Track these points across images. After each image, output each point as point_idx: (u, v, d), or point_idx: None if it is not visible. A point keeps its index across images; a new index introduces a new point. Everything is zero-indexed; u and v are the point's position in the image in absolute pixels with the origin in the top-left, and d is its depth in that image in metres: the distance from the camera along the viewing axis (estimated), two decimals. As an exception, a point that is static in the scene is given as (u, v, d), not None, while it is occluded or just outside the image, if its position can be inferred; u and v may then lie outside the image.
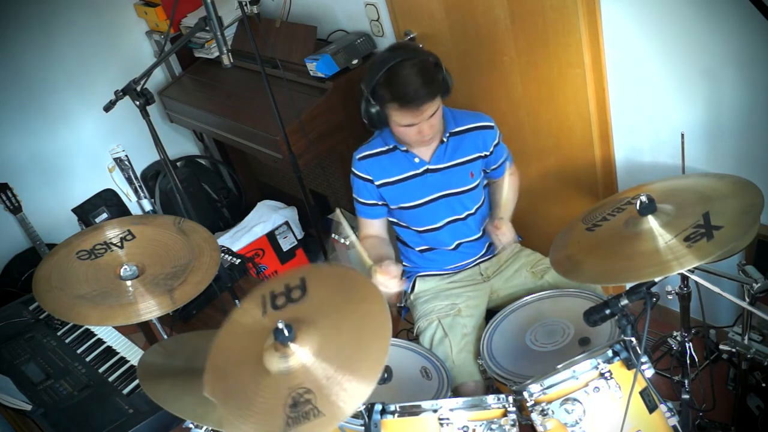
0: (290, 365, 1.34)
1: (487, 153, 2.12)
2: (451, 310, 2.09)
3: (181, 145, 4.14)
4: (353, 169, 2.11)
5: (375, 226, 2.18)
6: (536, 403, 1.55)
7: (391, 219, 2.21)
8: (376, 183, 2.09)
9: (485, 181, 2.20)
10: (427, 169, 2.07)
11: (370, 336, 1.34)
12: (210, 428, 1.64)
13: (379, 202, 2.13)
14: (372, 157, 2.09)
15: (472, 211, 2.15)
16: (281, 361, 1.34)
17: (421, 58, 1.90)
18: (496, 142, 2.12)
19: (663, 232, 1.55)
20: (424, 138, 1.96)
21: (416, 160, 2.07)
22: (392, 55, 1.90)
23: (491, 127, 2.11)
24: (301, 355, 1.34)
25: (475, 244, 2.20)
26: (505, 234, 2.04)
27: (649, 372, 1.54)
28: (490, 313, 2.14)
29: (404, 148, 2.06)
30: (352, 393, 1.25)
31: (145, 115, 2.24)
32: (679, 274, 1.64)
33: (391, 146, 2.07)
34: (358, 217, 2.19)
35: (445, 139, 2.05)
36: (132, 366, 2.25)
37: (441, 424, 1.53)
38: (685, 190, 1.71)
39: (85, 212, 3.70)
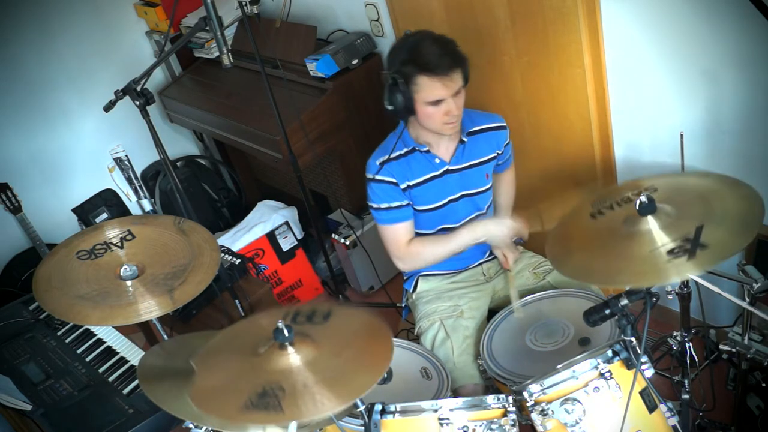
0: (279, 363, 1.41)
1: (500, 152, 2.13)
2: (453, 311, 2.09)
3: (181, 145, 4.14)
4: (373, 176, 2.01)
5: (409, 229, 2.06)
6: (536, 403, 1.55)
7: None
8: (401, 186, 2.03)
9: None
10: (447, 169, 2.05)
11: (363, 369, 1.41)
12: (210, 428, 1.64)
13: (406, 202, 2.04)
14: (392, 161, 2.02)
15: (483, 210, 2.16)
16: (275, 354, 1.42)
17: (440, 34, 1.92)
18: (507, 141, 2.14)
19: (655, 237, 1.53)
20: (451, 119, 1.91)
21: (437, 160, 2.04)
22: (410, 35, 1.92)
23: (504, 127, 2.12)
24: (293, 358, 1.41)
25: (483, 243, 2.19)
26: (512, 258, 2.11)
27: (649, 372, 1.54)
28: (491, 312, 2.14)
29: (425, 149, 2.03)
30: (318, 406, 1.31)
31: (145, 115, 2.25)
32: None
33: (410, 148, 2.03)
34: (386, 227, 2.05)
35: (465, 140, 2.04)
36: (132, 366, 2.25)
37: (441, 424, 1.53)
38: (691, 190, 1.68)
39: (85, 212, 3.70)
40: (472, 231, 2.05)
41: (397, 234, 2.06)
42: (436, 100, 1.88)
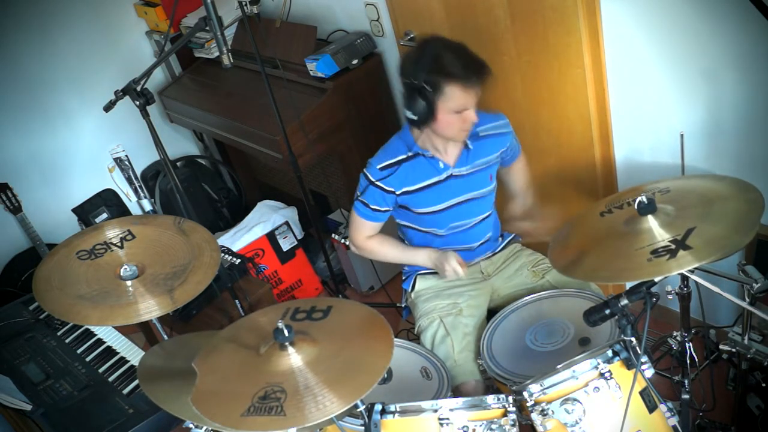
0: (280, 363, 1.41)
1: (504, 149, 2.15)
2: (452, 309, 2.09)
3: (181, 145, 4.14)
4: (371, 177, 2.02)
5: (376, 228, 2.14)
6: (536, 403, 1.55)
7: (408, 224, 2.16)
8: (398, 192, 2.04)
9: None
10: (451, 174, 2.05)
11: (363, 368, 1.42)
12: (210, 428, 1.64)
13: (389, 209, 2.08)
14: (394, 166, 2.02)
15: (487, 214, 2.16)
16: (275, 355, 1.43)
17: (455, 41, 1.92)
18: (511, 141, 2.16)
19: (647, 237, 1.53)
20: (467, 127, 1.93)
21: (440, 165, 2.03)
22: (427, 42, 1.92)
23: (509, 132, 2.15)
24: (293, 358, 1.41)
25: (482, 246, 2.20)
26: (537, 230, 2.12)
27: (649, 372, 1.54)
28: (490, 312, 2.14)
29: (429, 154, 2.02)
30: (320, 408, 1.31)
31: (145, 115, 2.25)
32: (679, 274, 1.64)
33: (413, 153, 2.03)
34: (359, 218, 2.10)
35: (470, 146, 2.04)
36: (132, 366, 2.25)
37: (441, 424, 1.53)
38: (699, 193, 1.67)
39: (85, 212, 3.70)
40: (429, 259, 2.10)
41: (363, 227, 2.13)
42: (462, 109, 1.88)
